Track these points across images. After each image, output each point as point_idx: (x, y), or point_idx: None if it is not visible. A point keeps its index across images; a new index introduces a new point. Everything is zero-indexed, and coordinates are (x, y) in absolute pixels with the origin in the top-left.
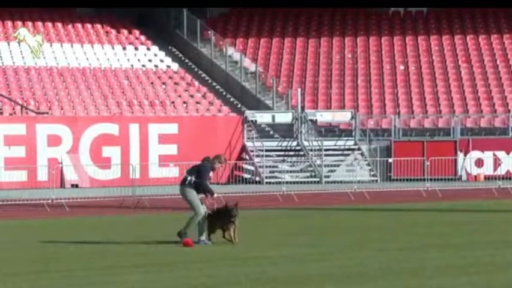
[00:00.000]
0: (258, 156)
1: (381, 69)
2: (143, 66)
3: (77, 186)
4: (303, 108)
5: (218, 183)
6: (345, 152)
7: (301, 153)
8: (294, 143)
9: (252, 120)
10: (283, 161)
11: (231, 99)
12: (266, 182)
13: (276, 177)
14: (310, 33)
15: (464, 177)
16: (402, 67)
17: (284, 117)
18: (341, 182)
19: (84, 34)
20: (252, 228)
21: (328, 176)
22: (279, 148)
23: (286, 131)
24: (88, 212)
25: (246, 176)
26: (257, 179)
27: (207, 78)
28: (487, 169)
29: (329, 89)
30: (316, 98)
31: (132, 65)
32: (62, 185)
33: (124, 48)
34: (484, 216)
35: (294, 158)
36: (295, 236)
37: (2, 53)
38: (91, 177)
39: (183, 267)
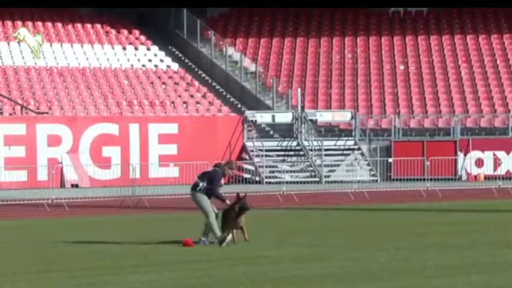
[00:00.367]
0: (258, 156)
1: (381, 69)
2: (143, 66)
3: (77, 186)
4: (303, 108)
5: None
6: (345, 152)
7: (301, 153)
8: (294, 143)
9: (252, 120)
10: (283, 160)
11: (231, 99)
12: (266, 182)
13: (276, 177)
14: (310, 33)
15: (464, 177)
16: (402, 67)
17: (284, 117)
18: (341, 182)
19: (84, 34)
20: (252, 228)
21: (328, 176)
22: (279, 148)
23: (286, 131)
24: (88, 212)
25: (246, 175)
26: (257, 178)
27: (206, 78)
28: (487, 169)
29: (328, 89)
30: (316, 98)
31: (132, 65)
32: (62, 185)
33: (124, 48)
34: (484, 216)
35: (294, 158)
36: (295, 235)
37: (2, 53)
38: (91, 177)
39: (183, 267)
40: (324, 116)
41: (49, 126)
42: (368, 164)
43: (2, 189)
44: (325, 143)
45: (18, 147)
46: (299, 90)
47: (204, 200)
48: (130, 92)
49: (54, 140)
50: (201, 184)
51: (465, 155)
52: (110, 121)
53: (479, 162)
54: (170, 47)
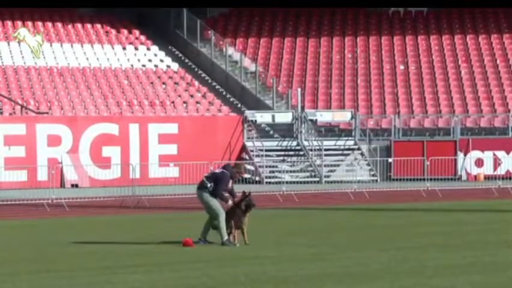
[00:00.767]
0: (258, 156)
1: (381, 69)
2: (143, 66)
3: (77, 186)
4: (303, 108)
5: None
6: (345, 152)
7: (301, 153)
8: (294, 143)
9: (252, 120)
10: (283, 160)
11: (231, 99)
12: (266, 182)
13: (276, 177)
14: (310, 33)
15: (464, 177)
16: (402, 67)
17: (284, 117)
18: (341, 181)
19: (84, 34)
20: (252, 228)
21: (328, 176)
22: (279, 148)
23: (286, 130)
24: (88, 212)
25: (246, 175)
26: (257, 178)
27: (207, 78)
28: (487, 169)
29: (328, 89)
30: (316, 97)
31: (132, 65)
32: (62, 184)
33: (124, 48)
34: (484, 216)
35: (294, 158)
36: (296, 235)
37: (2, 53)
38: (91, 177)
39: (183, 267)
40: (324, 116)
41: (49, 126)
42: (368, 164)
43: (2, 189)
44: (325, 143)
45: (18, 147)
46: (299, 90)
47: (213, 200)
48: (130, 92)
49: (54, 140)
50: (209, 185)
51: (465, 155)
52: (110, 121)
53: (479, 162)
54: (170, 47)
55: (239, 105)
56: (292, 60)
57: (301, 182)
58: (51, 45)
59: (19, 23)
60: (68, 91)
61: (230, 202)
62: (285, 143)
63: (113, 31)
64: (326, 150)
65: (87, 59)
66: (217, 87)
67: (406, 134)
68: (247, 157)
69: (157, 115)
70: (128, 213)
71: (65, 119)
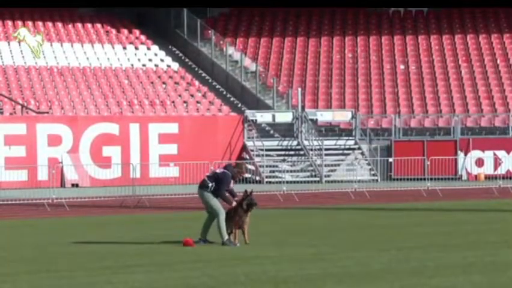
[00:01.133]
0: (258, 155)
1: (382, 69)
2: (144, 65)
3: (77, 185)
4: (303, 107)
5: None
6: (346, 152)
7: (302, 152)
8: (295, 143)
9: (252, 120)
10: (284, 160)
11: (231, 99)
12: (266, 182)
13: (276, 177)
14: (311, 32)
15: (464, 177)
16: (402, 67)
17: (284, 117)
18: (341, 181)
19: (84, 34)
20: (252, 228)
21: (328, 176)
22: (280, 148)
23: (286, 130)
24: (88, 211)
25: (246, 175)
26: (257, 178)
27: (207, 77)
28: (487, 168)
29: (329, 89)
30: (317, 97)
31: (132, 65)
32: (63, 184)
33: (124, 48)
34: (484, 216)
35: (295, 158)
36: (296, 235)
37: (3, 52)
38: (91, 176)
39: (183, 267)
40: (324, 116)
41: (49, 126)
42: (369, 164)
43: (2, 189)
44: (325, 142)
45: (19, 147)
46: (299, 89)
47: (214, 199)
48: (130, 91)
49: (54, 140)
50: (210, 184)
51: (465, 154)
52: (110, 121)
53: (480, 162)
54: (170, 47)
55: (239, 105)
56: (293, 59)
57: (301, 182)
58: (51, 45)
59: (19, 22)
60: (69, 91)
61: (234, 203)
62: (285, 143)
63: (114, 31)
64: (326, 149)
65: (87, 58)
66: (218, 86)
67: (406, 133)
68: (247, 157)
69: (158, 115)
70: (129, 213)
71: (66, 118)
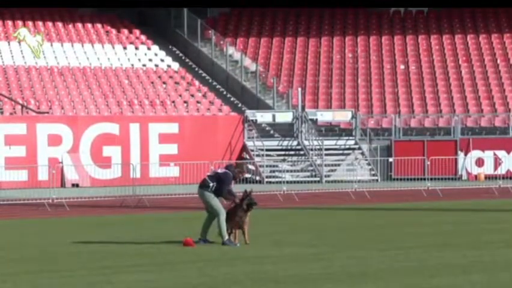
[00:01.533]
0: (258, 155)
1: (382, 69)
2: (144, 65)
3: (77, 185)
4: (303, 107)
5: None
6: (346, 152)
7: (302, 152)
8: (295, 143)
9: (252, 120)
10: (284, 160)
11: (232, 99)
12: (266, 182)
13: (276, 177)
14: (311, 32)
15: (464, 177)
16: (402, 66)
17: (284, 117)
18: (342, 181)
19: (84, 34)
20: (252, 228)
21: (328, 176)
22: (280, 147)
23: (286, 130)
24: (88, 211)
25: (247, 175)
26: (257, 178)
27: (207, 77)
28: (488, 168)
29: (329, 89)
30: (317, 97)
31: (132, 65)
32: (63, 184)
33: (125, 48)
34: (484, 216)
35: (295, 158)
36: (296, 235)
37: (3, 52)
38: (92, 176)
39: (183, 267)
40: (324, 116)
41: (50, 126)
42: (369, 164)
43: (2, 189)
44: (325, 142)
45: (19, 147)
46: (300, 89)
47: (215, 199)
48: (130, 91)
49: (54, 140)
50: (211, 184)
51: (465, 154)
52: (110, 121)
53: (480, 162)
54: (170, 47)
55: (239, 105)
56: (293, 59)
57: (301, 182)
58: (51, 45)
59: (19, 22)
60: (69, 91)
61: (237, 200)
62: (285, 143)
63: (114, 31)
64: (326, 149)
65: (87, 58)
66: (218, 86)
67: (407, 133)
68: (247, 157)
69: (158, 115)
70: (129, 213)
71: (66, 118)
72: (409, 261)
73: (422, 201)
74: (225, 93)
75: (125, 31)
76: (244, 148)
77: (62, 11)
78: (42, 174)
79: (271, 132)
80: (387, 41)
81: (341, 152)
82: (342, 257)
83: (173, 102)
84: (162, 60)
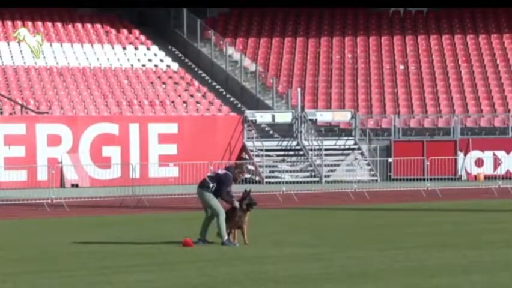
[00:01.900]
0: (257, 156)
1: (381, 69)
2: (143, 66)
3: (77, 186)
4: (303, 108)
5: None
6: (345, 152)
7: (301, 153)
8: (294, 143)
9: (251, 120)
10: (283, 160)
11: (231, 99)
12: (266, 182)
13: (276, 177)
14: (310, 33)
15: (464, 177)
16: (402, 67)
17: (284, 117)
18: (341, 181)
19: (84, 34)
20: (252, 228)
21: (328, 176)
22: (279, 148)
23: (286, 130)
24: (88, 211)
25: (246, 175)
26: (257, 178)
27: (206, 78)
28: (487, 169)
29: (328, 89)
30: (316, 97)
31: (132, 65)
32: (62, 184)
33: (124, 48)
34: (484, 216)
35: (294, 158)
36: (296, 235)
37: (2, 53)
38: (91, 177)
39: (183, 267)
40: (324, 116)
41: (49, 126)
42: (368, 164)
43: (2, 189)
44: (325, 142)
45: (18, 147)
46: (299, 90)
47: (214, 199)
48: (130, 91)
49: (54, 140)
50: (211, 185)
51: (465, 154)
52: (110, 121)
53: (479, 162)
54: (170, 47)
55: (239, 105)
56: (292, 60)
57: (301, 182)
58: (51, 45)
59: (19, 23)
60: (68, 91)
61: (236, 204)
62: (285, 143)
63: (113, 31)
64: (325, 150)
65: (87, 58)
66: (217, 87)
67: (406, 133)
68: (247, 157)
69: (157, 115)
70: (128, 213)
71: (65, 118)
72: (409, 261)
73: (422, 202)
74: (224, 93)
75: (125, 31)
76: (243, 148)
77: (61, 11)
78: (42, 175)
79: (271, 132)
80: (387, 41)
81: (340, 152)
82: (342, 257)
83: (172, 102)
84: (162, 61)
